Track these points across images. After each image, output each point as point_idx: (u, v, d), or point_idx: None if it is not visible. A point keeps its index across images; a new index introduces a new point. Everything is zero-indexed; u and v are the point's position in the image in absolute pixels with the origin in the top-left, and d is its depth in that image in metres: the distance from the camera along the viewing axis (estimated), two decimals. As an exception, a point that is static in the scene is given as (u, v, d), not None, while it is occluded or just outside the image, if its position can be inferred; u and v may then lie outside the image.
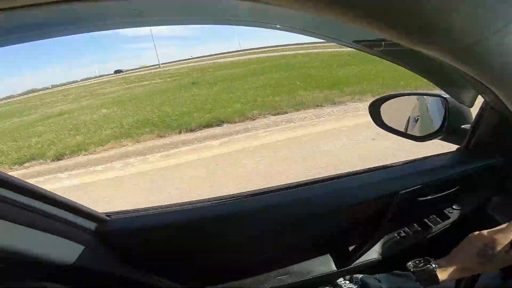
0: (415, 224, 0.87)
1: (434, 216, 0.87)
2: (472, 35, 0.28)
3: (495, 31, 0.29)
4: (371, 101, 1.00)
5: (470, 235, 0.61)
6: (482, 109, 0.75)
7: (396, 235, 0.87)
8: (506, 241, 0.56)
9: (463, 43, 0.29)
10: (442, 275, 0.57)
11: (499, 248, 0.56)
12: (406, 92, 0.92)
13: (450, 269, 0.58)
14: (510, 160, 0.79)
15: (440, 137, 0.88)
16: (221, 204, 0.73)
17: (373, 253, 0.84)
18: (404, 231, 0.87)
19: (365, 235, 0.81)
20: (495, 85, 0.41)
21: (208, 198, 0.77)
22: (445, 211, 0.87)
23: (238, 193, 0.77)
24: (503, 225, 0.59)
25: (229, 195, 0.77)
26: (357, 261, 0.82)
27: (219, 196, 0.77)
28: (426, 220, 0.87)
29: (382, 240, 0.86)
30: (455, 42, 0.29)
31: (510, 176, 0.81)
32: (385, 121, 0.98)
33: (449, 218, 0.86)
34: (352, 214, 0.77)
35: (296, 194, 0.74)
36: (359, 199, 0.74)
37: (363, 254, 0.82)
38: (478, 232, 0.60)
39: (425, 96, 0.99)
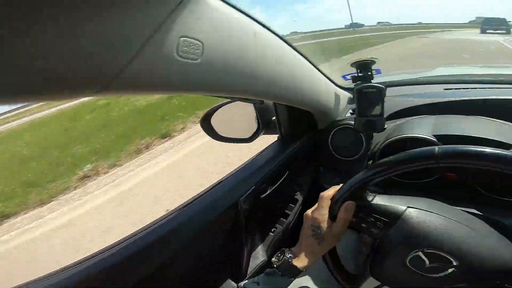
0: (282, 219, 0.92)
1: (291, 204, 0.94)
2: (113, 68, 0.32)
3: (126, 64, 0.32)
4: (201, 117, 1.04)
5: (304, 215, 0.62)
6: (274, 103, 0.91)
7: (271, 233, 0.89)
8: (323, 217, 0.58)
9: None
10: (299, 263, 0.58)
11: (323, 225, 0.58)
12: (226, 101, 1.03)
13: (303, 256, 0.59)
14: (313, 134, 1.00)
15: (263, 133, 1.01)
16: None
17: (260, 257, 0.85)
18: (276, 227, 0.90)
19: (240, 246, 0.82)
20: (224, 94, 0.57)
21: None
22: (295, 196, 0.95)
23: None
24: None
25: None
26: (252, 270, 0.82)
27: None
28: (286, 210, 0.93)
29: (265, 242, 0.89)
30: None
31: (321, 146, 1.00)
32: (219, 132, 1.04)
33: (298, 201, 0.95)
34: (212, 235, 0.76)
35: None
36: (208, 220, 0.73)
37: (253, 262, 0.83)
38: (306, 212, 0.62)
39: (240, 102, 1.05)
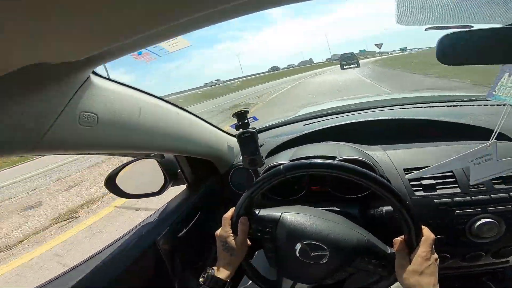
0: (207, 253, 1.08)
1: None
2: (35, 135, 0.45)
3: (44, 133, 0.46)
4: (105, 180, 1.05)
5: (215, 235, 0.78)
6: (174, 156, 1.07)
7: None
8: (228, 233, 0.75)
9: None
10: (221, 274, 0.71)
11: (229, 239, 0.74)
12: (129, 160, 1.10)
13: (222, 268, 0.72)
14: (217, 178, 1.18)
15: (172, 185, 1.12)
16: None
17: None
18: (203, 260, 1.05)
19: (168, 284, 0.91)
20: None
21: None
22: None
23: None
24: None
25: None
26: None
27: None
28: (212, 245, 1.07)
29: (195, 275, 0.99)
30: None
31: (225, 186, 1.18)
32: (125, 190, 1.07)
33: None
34: (133, 277, 0.81)
35: None
36: (127, 264, 0.79)
37: None
38: (216, 232, 0.78)
39: (144, 159, 1.13)
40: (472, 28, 0.55)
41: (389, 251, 0.68)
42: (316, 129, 1.19)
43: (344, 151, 0.99)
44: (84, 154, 0.63)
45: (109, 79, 0.59)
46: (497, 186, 0.84)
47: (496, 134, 0.56)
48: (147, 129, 0.69)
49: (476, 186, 0.85)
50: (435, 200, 0.87)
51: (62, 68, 0.42)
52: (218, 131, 1.13)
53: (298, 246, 0.69)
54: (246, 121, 1.00)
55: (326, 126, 1.19)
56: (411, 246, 0.63)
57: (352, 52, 26.60)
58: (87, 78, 0.51)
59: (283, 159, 1.03)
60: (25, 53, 0.35)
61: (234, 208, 0.78)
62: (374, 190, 0.64)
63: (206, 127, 1.04)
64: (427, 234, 0.64)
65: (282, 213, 0.75)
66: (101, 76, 0.56)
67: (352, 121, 1.18)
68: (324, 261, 0.68)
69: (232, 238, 0.74)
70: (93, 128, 0.54)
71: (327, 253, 0.67)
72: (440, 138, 1.04)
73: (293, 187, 1.03)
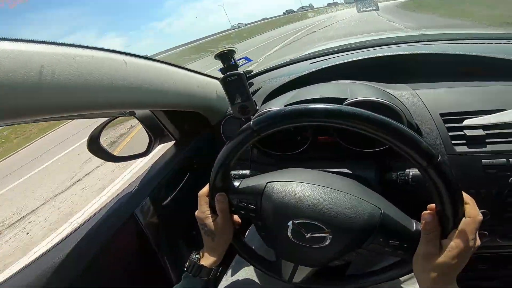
0: None
1: None
2: None
3: None
4: (87, 141, 0.94)
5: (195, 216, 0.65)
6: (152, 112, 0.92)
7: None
8: (206, 214, 0.61)
9: None
10: (206, 261, 0.60)
11: (207, 221, 0.60)
12: (107, 119, 0.97)
13: (207, 255, 0.61)
14: (209, 131, 1.02)
15: (159, 143, 1.01)
16: None
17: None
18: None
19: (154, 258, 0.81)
20: None
21: None
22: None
23: None
24: None
25: None
26: None
27: None
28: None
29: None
30: None
31: (218, 141, 1.01)
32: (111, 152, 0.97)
33: None
34: (116, 255, 0.74)
35: None
36: (104, 240, 0.71)
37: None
38: (195, 213, 0.65)
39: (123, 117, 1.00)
40: None
41: (414, 228, 0.49)
42: (324, 66, 0.97)
43: (358, 90, 0.76)
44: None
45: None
46: None
47: None
48: (107, 85, 0.57)
49: None
50: (483, 160, 0.65)
51: None
52: (202, 77, 0.95)
53: (290, 225, 0.52)
54: (232, 62, 0.82)
55: (338, 63, 0.96)
56: (445, 226, 0.44)
57: None
58: None
59: (280, 103, 0.82)
60: None
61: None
62: (389, 144, 0.43)
63: (183, 74, 0.85)
64: (473, 213, 0.44)
65: (267, 182, 0.56)
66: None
67: (372, 56, 0.94)
68: (325, 244, 0.50)
69: (211, 219, 0.60)
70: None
71: (327, 234, 0.50)
72: (486, 78, 0.80)
73: (296, 138, 0.83)
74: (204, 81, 0.94)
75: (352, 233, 0.49)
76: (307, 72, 0.97)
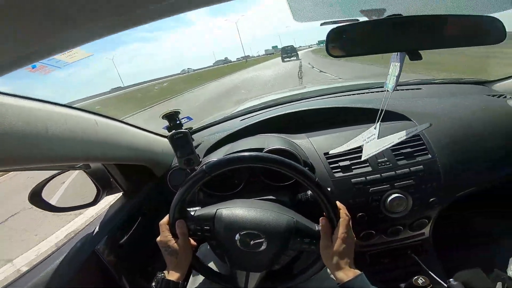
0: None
1: None
2: None
3: None
4: (29, 195, 0.97)
5: (157, 242, 0.79)
6: (103, 165, 1.04)
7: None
8: (168, 238, 0.76)
9: None
10: (172, 277, 0.72)
11: (171, 243, 0.75)
12: (54, 173, 1.04)
13: (172, 272, 0.74)
14: (156, 182, 1.17)
15: (107, 194, 1.08)
16: None
17: None
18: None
19: None
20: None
21: None
22: None
23: None
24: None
25: None
26: None
27: None
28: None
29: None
30: None
31: (165, 189, 1.16)
32: (54, 204, 1.01)
33: None
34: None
35: None
36: (68, 278, 0.78)
37: None
38: (157, 239, 0.79)
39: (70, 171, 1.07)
40: (357, 22, 0.63)
41: (317, 228, 0.75)
42: (250, 123, 1.26)
43: (272, 142, 1.06)
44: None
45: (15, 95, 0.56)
46: (400, 162, 0.99)
47: (380, 117, 0.66)
48: (59, 140, 0.66)
49: (382, 164, 0.99)
50: (352, 180, 0.98)
51: None
52: (149, 134, 1.12)
53: (237, 237, 0.73)
54: (178, 122, 1.01)
55: (258, 120, 1.27)
56: (332, 225, 0.71)
57: (292, 45, 28.01)
58: None
59: (220, 155, 1.06)
60: None
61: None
62: (289, 174, 0.70)
63: (132, 131, 1.02)
64: (343, 215, 0.71)
65: (217, 209, 0.78)
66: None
67: (281, 113, 1.28)
68: (264, 248, 0.72)
69: (173, 242, 0.76)
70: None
71: (263, 239, 0.72)
72: (356, 122, 1.18)
73: (234, 181, 1.07)
74: (151, 138, 1.12)
75: (279, 236, 0.73)
76: (237, 129, 1.24)
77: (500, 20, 0.56)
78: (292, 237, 0.73)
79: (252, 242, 0.73)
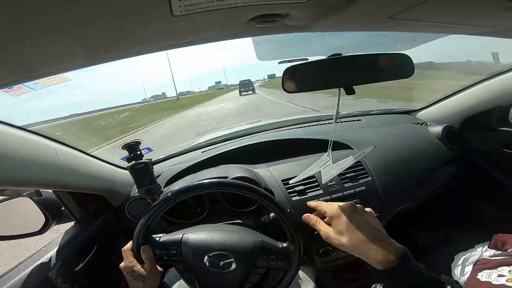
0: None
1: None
2: None
3: None
4: None
5: (120, 268, 0.79)
6: (55, 193, 1.02)
7: None
8: (133, 263, 0.76)
9: None
10: None
11: (136, 268, 0.76)
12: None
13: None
14: (112, 212, 1.16)
15: (55, 223, 1.03)
16: None
17: None
18: None
19: None
20: None
21: None
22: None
23: None
24: None
25: None
26: None
27: None
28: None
29: None
30: None
31: (122, 219, 1.16)
32: None
33: None
34: None
35: None
36: None
37: None
38: (120, 265, 0.79)
39: (13, 199, 1.00)
40: (307, 61, 0.76)
41: (280, 245, 0.82)
42: (212, 155, 1.34)
43: (234, 171, 1.13)
44: None
45: None
46: (346, 185, 1.14)
47: (330, 146, 0.78)
48: (14, 163, 0.66)
49: (331, 187, 1.12)
50: (307, 202, 1.07)
51: None
52: (107, 164, 1.13)
53: (206, 259, 0.76)
54: (138, 152, 1.02)
55: (220, 152, 1.35)
56: (293, 242, 0.80)
57: (249, 79, 29.79)
58: None
59: (182, 184, 1.07)
60: None
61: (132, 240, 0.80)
62: (252, 197, 0.78)
63: (90, 161, 1.03)
64: (314, 204, 0.74)
65: (183, 234, 0.80)
66: None
67: (241, 145, 1.39)
68: (234, 267, 0.76)
69: (139, 267, 0.76)
70: None
71: (232, 259, 0.76)
72: (309, 152, 1.33)
73: (196, 210, 1.12)
74: (109, 169, 1.13)
75: (247, 255, 0.77)
76: (199, 160, 1.31)
77: (408, 56, 0.69)
78: (260, 255, 0.79)
79: (221, 263, 0.76)
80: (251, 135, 1.55)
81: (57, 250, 0.93)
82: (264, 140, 1.41)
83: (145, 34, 0.39)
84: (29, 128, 0.76)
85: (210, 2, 0.34)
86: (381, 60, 0.71)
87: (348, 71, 0.69)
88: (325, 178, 0.82)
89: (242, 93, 26.54)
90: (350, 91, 0.69)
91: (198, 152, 1.45)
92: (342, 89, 0.70)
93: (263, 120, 2.77)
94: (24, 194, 0.91)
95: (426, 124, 1.46)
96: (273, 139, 1.41)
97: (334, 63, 0.69)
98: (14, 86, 0.50)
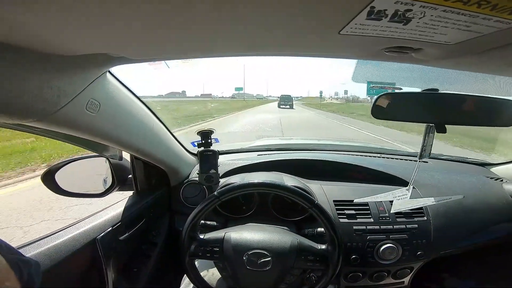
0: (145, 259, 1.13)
1: (152, 246, 1.17)
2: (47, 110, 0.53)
3: (59, 108, 0.55)
4: (43, 173, 1.03)
5: None
6: (131, 160, 1.12)
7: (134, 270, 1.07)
8: None
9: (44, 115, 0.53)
10: None
11: None
12: (74, 158, 1.10)
13: None
14: (167, 190, 1.25)
15: (117, 189, 1.13)
16: None
17: None
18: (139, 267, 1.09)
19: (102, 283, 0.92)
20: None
21: None
22: (154, 240, 1.18)
23: None
24: None
25: None
26: None
27: None
28: (148, 252, 1.14)
29: (130, 280, 1.03)
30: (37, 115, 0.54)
31: (175, 198, 1.26)
32: (62, 187, 1.05)
33: (158, 244, 1.18)
34: (67, 273, 0.83)
35: None
36: (61, 258, 0.81)
37: None
38: None
39: (92, 158, 1.14)
40: (401, 91, 0.78)
41: (318, 247, 0.85)
42: (268, 160, 1.41)
43: (288, 180, 1.19)
44: (78, 137, 0.68)
45: (118, 80, 0.71)
46: (398, 219, 1.13)
47: (412, 182, 0.80)
48: (132, 128, 0.81)
49: (383, 218, 1.13)
50: (354, 227, 1.11)
51: (90, 59, 0.53)
52: (179, 145, 1.23)
53: (245, 257, 0.81)
54: (209, 140, 1.12)
55: (277, 159, 1.41)
56: (333, 245, 0.85)
57: (289, 95, 32.15)
58: (103, 73, 0.63)
59: (235, 180, 1.17)
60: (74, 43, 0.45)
61: None
62: (292, 198, 0.85)
63: (171, 139, 1.14)
64: None
65: (225, 233, 0.87)
66: (114, 76, 0.69)
67: (297, 158, 1.44)
68: (270, 266, 0.81)
69: None
70: (93, 115, 0.63)
71: (269, 258, 0.81)
72: (360, 180, 1.35)
73: (243, 207, 1.19)
74: (179, 149, 1.24)
75: (284, 255, 0.82)
76: (255, 162, 1.39)
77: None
78: (297, 256, 0.83)
79: (259, 261, 0.81)
80: (308, 151, 1.60)
81: (112, 216, 1.02)
82: (321, 158, 1.44)
83: (308, 44, 0.46)
84: (142, 99, 0.88)
85: (373, 30, 0.39)
86: (483, 103, 0.71)
87: (443, 108, 0.70)
88: (395, 209, 0.84)
89: (281, 106, 27.62)
90: (441, 129, 0.70)
91: (255, 154, 1.53)
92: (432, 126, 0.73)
93: (323, 139, 2.82)
94: (108, 154, 0.99)
95: (502, 180, 1.40)
96: (332, 160, 1.44)
97: (430, 97, 0.70)
98: (156, 61, 0.60)
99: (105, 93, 0.67)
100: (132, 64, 0.60)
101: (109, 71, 0.67)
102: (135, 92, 0.82)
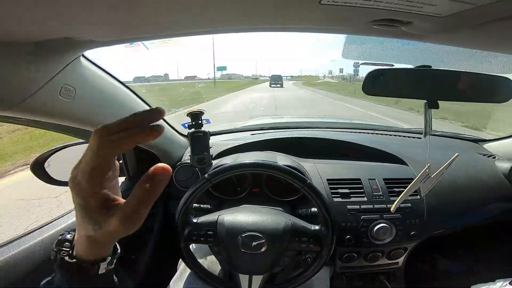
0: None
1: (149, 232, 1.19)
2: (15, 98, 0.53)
3: (29, 95, 0.54)
4: (32, 163, 1.01)
5: None
6: None
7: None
8: None
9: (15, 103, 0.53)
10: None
11: None
12: (61, 145, 1.08)
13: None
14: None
15: None
16: None
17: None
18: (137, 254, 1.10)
19: None
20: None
21: None
22: (150, 224, 1.20)
23: None
24: None
25: None
26: None
27: None
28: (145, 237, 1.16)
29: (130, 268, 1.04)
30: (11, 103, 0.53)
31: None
32: (54, 176, 1.03)
33: (154, 229, 1.19)
34: None
35: None
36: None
37: None
38: None
39: (81, 145, 1.09)
40: (393, 67, 0.77)
41: (312, 228, 0.86)
42: (261, 139, 1.40)
43: (281, 159, 1.18)
44: (53, 123, 0.66)
45: (96, 65, 0.69)
46: (392, 198, 1.14)
47: (428, 159, 0.81)
48: (113, 112, 0.77)
49: (377, 197, 1.14)
50: (348, 206, 1.12)
51: (56, 45, 0.51)
52: (169, 127, 1.22)
53: (240, 239, 0.81)
54: (200, 121, 1.10)
55: (270, 138, 1.40)
56: (326, 224, 0.85)
57: (280, 75, 33.61)
58: (77, 57, 0.61)
59: (228, 161, 1.16)
60: (37, 27, 0.43)
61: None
62: (283, 178, 0.83)
63: (161, 122, 1.11)
64: None
65: (218, 216, 0.87)
66: (90, 61, 0.67)
67: (290, 136, 1.43)
68: (265, 249, 0.81)
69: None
70: (69, 101, 0.62)
71: (263, 240, 0.81)
72: (355, 158, 1.36)
73: (236, 189, 1.18)
74: (170, 131, 1.22)
75: (278, 237, 0.82)
76: (248, 141, 1.38)
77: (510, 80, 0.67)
78: (290, 237, 0.83)
79: (253, 244, 0.81)
80: (302, 129, 1.60)
81: None
82: (314, 136, 1.44)
83: (290, 16, 0.43)
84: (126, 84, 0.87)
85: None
86: (475, 79, 0.71)
87: (435, 85, 0.69)
88: (424, 191, 0.83)
89: (272, 85, 29.33)
90: (433, 105, 0.69)
91: (248, 133, 1.53)
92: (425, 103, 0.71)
93: (316, 117, 2.80)
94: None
95: (494, 157, 1.41)
96: (325, 137, 1.43)
97: (422, 74, 0.69)
98: (134, 43, 0.57)
99: (80, 78, 0.65)
100: (110, 49, 0.58)
101: (84, 57, 0.65)
102: (116, 77, 0.80)
